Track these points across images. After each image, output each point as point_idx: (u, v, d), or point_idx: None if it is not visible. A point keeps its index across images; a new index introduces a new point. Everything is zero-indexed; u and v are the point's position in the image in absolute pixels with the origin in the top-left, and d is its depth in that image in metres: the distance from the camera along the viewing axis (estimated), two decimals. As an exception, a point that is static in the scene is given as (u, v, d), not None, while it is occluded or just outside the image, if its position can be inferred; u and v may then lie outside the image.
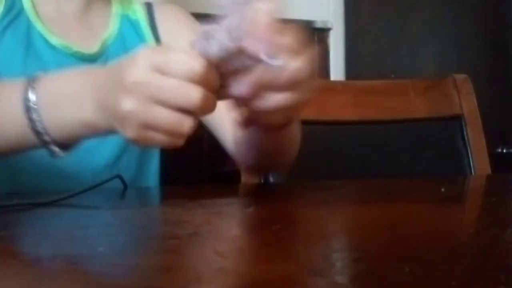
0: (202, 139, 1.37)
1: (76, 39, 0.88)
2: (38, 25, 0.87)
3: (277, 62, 0.51)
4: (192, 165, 1.38)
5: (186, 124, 0.53)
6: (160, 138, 0.53)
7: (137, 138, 0.54)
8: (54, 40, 0.86)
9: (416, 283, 0.32)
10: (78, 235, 0.49)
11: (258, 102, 0.54)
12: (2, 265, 0.39)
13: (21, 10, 0.87)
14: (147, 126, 0.52)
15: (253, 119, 0.59)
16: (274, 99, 0.53)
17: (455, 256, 0.40)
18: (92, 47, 0.89)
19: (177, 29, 0.94)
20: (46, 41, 0.86)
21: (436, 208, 0.63)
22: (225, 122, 0.83)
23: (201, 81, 0.51)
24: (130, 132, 0.53)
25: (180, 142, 0.54)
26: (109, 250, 0.42)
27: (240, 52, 0.51)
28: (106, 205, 0.68)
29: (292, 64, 0.52)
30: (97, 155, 0.86)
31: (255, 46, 0.50)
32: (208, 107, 0.53)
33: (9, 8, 0.86)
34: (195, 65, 0.51)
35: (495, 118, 1.78)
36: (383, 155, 1.19)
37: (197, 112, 0.53)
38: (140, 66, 0.52)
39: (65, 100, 0.59)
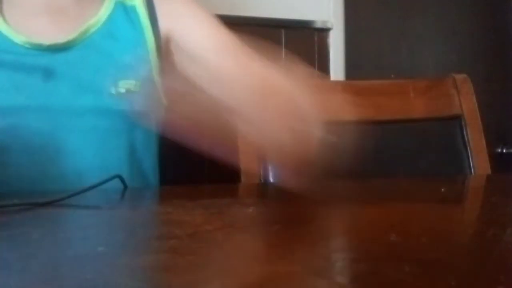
0: (202, 139, 1.37)
1: (51, 31, 0.85)
2: (2, 26, 0.84)
3: None
4: (192, 165, 1.38)
5: None
6: None
7: None
8: (19, 39, 0.84)
9: (416, 283, 0.32)
10: (78, 235, 0.49)
11: None
12: (1, 265, 0.39)
13: None
14: None
15: None
16: None
17: (455, 256, 0.40)
18: (68, 37, 0.86)
19: (176, 11, 0.92)
20: (10, 41, 0.84)
21: (436, 208, 0.63)
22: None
23: None
24: None
25: None
26: (109, 250, 0.42)
27: None
28: (106, 205, 0.68)
29: None
30: (79, 157, 0.83)
31: None
32: None
33: None
34: None
35: (495, 118, 1.78)
36: (383, 155, 1.19)
37: None
38: None
39: None
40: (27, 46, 0.84)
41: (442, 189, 0.74)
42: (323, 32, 1.61)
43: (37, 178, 0.82)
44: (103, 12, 0.89)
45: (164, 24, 0.91)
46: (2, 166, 0.81)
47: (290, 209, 0.61)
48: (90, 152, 0.84)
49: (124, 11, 0.91)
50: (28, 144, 0.81)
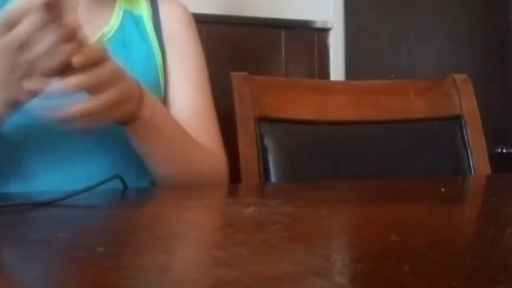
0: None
1: None
2: None
3: None
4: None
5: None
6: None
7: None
8: None
9: (416, 283, 0.32)
10: (78, 235, 0.49)
11: None
12: (1, 265, 0.39)
13: None
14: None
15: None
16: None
17: (455, 256, 0.40)
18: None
19: (179, 32, 0.94)
20: None
21: (436, 208, 0.63)
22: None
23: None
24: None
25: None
26: (109, 250, 0.42)
27: None
28: (106, 205, 0.68)
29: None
30: (90, 159, 0.84)
31: None
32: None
33: None
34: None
35: (495, 118, 1.78)
36: (383, 155, 1.19)
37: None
38: None
39: None
40: None
41: (442, 189, 0.74)
42: (323, 32, 1.60)
43: (47, 177, 0.82)
44: (115, 21, 0.90)
45: (167, 37, 0.93)
46: (14, 163, 0.81)
47: (290, 209, 0.61)
48: (101, 155, 0.85)
49: (133, 20, 0.92)
50: (40, 143, 0.82)
